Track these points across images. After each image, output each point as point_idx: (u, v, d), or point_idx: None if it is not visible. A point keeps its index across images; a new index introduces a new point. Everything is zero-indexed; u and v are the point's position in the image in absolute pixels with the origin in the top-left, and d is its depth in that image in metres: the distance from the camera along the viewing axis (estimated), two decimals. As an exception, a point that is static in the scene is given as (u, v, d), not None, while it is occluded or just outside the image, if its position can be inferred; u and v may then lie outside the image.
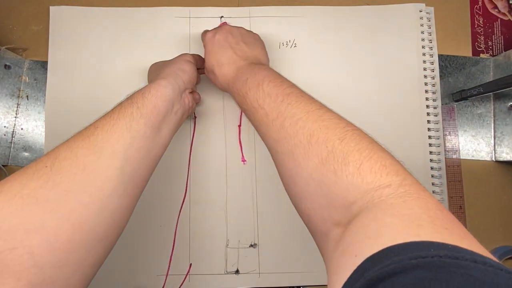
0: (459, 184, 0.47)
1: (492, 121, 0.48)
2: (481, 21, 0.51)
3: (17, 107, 0.47)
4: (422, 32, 0.49)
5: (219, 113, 0.47)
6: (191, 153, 0.46)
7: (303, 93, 0.31)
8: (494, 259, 0.16)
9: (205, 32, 0.41)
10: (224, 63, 0.37)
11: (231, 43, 0.38)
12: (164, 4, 0.49)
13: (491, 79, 0.49)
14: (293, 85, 0.32)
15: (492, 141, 0.48)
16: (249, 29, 0.43)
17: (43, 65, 0.47)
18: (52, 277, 0.21)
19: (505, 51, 0.49)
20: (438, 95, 0.48)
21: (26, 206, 0.22)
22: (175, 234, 0.44)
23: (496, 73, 0.48)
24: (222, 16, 0.48)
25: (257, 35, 0.43)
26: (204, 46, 0.40)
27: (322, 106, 0.30)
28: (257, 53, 0.39)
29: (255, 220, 0.45)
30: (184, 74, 0.36)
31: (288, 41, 0.48)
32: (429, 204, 0.20)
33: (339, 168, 0.24)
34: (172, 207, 0.45)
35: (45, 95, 0.46)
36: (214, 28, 0.41)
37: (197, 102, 0.43)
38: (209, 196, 0.45)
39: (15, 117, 0.46)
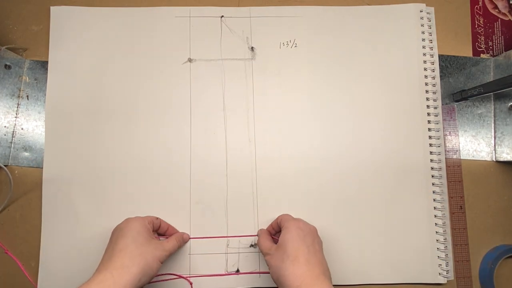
0: (459, 184, 0.47)
1: (493, 121, 0.48)
2: (481, 21, 0.51)
3: (17, 107, 0.47)
4: (423, 32, 0.49)
5: (219, 112, 0.47)
6: (191, 153, 0.46)
7: None
8: None
9: (297, 219, 0.40)
10: (301, 261, 0.34)
11: (316, 247, 0.37)
12: (164, 4, 0.49)
13: (491, 79, 0.49)
14: None
15: (493, 141, 0.48)
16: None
17: (44, 65, 0.47)
18: None
19: (505, 51, 0.49)
20: (439, 95, 0.48)
21: None
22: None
23: (497, 73, 0.48)
24: (222, 16, 0.48)
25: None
26: (287, 230, 0.38)
27: None
28: (328, 270, 0.36)
29: (255, 220, 0.45)
30: (148, 277, 0.36)
31: (289, 41, 0.48)
32: None
33: None
34: (172, 207, 0.45)
35: (45, 95, 0.46)
36: (307, 224, 0.39)
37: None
38: (210, 196, 0.45)
39: (16, 117, 0.46)
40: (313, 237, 0.38)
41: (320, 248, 0.38)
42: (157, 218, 0.42)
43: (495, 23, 0.51)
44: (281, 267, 0.35)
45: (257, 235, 0.44)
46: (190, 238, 0.44)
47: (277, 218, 0.43)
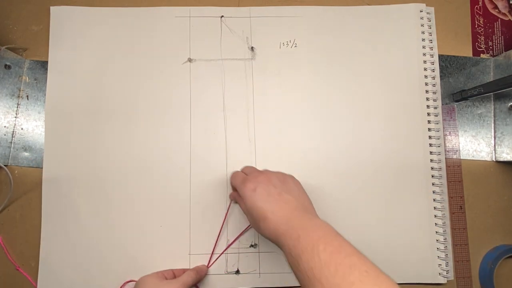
0: (459, 184, 0.47)
1: (492, 121, 0.48)
2: (481, 21, 0.51)
3: (17, 107, 0.47)
4: (423, 32, 0.49)
5: (219, 112, 0.47)
6: (191, 153, 0.46)
7: (366, 265, 0.26)
8: None
9: (244, 182, 0.38)
10: (269, 217, 0.34)
11: (274, 194, 0.35)
12: (164, 4, 0.49)
13: (491, 79, 0.49)
14: (353, 252, 0.28)
15: (492, 141, 0.48)
16: (284, 172, 0.40)
17: (43, 65, 0.47)
18: None
19: (505, 51, 0.49)
20: (439, 95, 0.48)
21: None
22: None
23: (497, 73, 0.48)
24: (222, 16, 0.48)
25: (293, 177, 0.39)
26: (243, 197, 0.37)
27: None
28: (302, 200, 0.36)
29: (255, 220, 0.45)
30: None
31: (288, 41, 0.48)
32: None
33: None
34: (172, 208, 0.45)
35: (45, 95, 0.46)
36: (253, 179, 0.37)
37: None
38: (210, 196, 0.45)
39: (15, 117, 0.46)
40: (266, 186, 0.36)
41: (280, 186, 0.36)
42: (168, 271, 0.42)
43: (495, 23, 0.51)
44: (255, 227, 0.36)
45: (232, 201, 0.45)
46: (208, 267, 0.44)
47: (230, 180, 0.42)
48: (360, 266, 0.26)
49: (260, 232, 0.35)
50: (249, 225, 0.44)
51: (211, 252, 0.44)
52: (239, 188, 0.38)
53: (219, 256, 0.44)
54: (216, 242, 0.44)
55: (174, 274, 0.42)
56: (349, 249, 0.28)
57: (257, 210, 0.35)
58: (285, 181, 0.38)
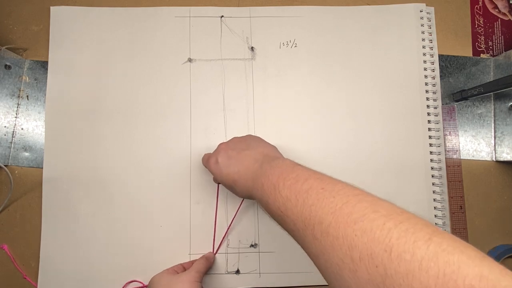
0: (459, 184, 0.47)
1: (493, 121, 0.48)
2: (481, 21, 0.51)
3: (17, 107, 0.47)
4: (423, 32, 0.49)
5: (220, 111, 0.47)
6: (191, 153, 0.46)
7: (323, 182, 0.26)
8: None
9: (208, 159, 0.39)
10: (237, 179, 0.35)
11: (234, 157, 0.36)
12: (164, 4, 0.49)
13: (491, 79, 0.49)
14: (310, 175, 0.28)
15: (493, 141, 0.48)
16: (242, 135, 0.41)
17: (44, 65, 0.47)
18: None
19: (505, 51, 0.49)
20: (439, 95, 0.48)
21: None
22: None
23: (497, 73, 0.48)
24: (222, 16, 0.48)
25: (250, 134, 0.41)
26: (212, 174, 0.38)
27: (348, 195, 0.24)
28: (263, 150, 0.36)
29: (255, 220, 0.45)
30: None
31: (288, 41, 0.48)
32: None
33: None
34: (172, 208, 0.45)
35: (45, 95, 0.46)
36: (214, 153, 0.39)
37: None
38: (210, 196, 0.45)
39: (15, 117, 0.46)
40: (225, 152, 0.37)
41: (238, 147, 0.37)
42: (177, 266, 0.43)
43: (495, 23, 0.51)
44: (236, 194, 0.36)
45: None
46: (214, 254, 0.45)
47: (202, 161, 0.42)
48: (316, 186, 0.26)
49: (240, 196, 0.36)
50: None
51: (213, 238, 0.44)
52: (207, 167, 0.39)
53: (223, 239, 0.44)
54: (215, 224, 0.44)
55: (184, 268, 0.42)
56: (306, 174, 0.28)
57: (225, 178, 0.36)
58: (243, 140, 0.39)
